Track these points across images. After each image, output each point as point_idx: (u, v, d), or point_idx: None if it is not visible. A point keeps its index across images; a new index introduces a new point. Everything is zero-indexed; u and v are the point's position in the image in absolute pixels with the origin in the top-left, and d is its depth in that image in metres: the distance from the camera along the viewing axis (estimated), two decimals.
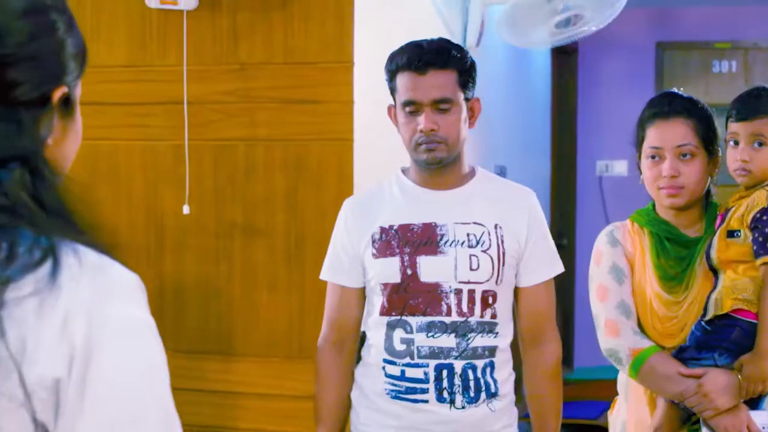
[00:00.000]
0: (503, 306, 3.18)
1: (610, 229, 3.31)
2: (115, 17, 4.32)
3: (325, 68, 4.08)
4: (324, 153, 4.09)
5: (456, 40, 5.10)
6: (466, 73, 3.16)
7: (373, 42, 4.20)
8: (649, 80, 8.82)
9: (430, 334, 3.11)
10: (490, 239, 3.15)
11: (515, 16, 4.89)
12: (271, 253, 4.19)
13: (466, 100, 3.18)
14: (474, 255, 3.13)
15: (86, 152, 4.10)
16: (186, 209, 4.20)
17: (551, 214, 8.32)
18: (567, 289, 8.09)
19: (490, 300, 3.15)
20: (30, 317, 1.25)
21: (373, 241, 3.19)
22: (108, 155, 4.34)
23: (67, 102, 1.42)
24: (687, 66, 8.84)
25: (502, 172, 6.08)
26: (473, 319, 3.12)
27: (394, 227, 3.18)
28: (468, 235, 3.14)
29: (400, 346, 3.15)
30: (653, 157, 3.18)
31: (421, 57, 3.12)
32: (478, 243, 3.14)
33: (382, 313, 3.18)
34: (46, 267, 1.27)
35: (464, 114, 3.17)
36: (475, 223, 3.17)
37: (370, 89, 4.15)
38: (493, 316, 3.15)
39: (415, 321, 3.13)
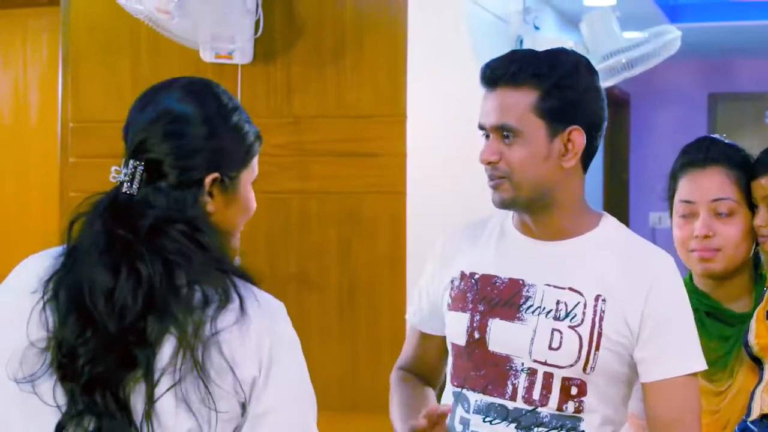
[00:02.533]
0: (598, 400, 2.38)
1: None
2: (170, 71, 4.35)
3: (379, 121, 4.10)
4: (377, 206, 4.10)
5: None
6: (554, 94, 2.36)
7: (426, 95, 4.22)
8: (702, 131, 8.80)
9: (487, 419, 2.40)
10: (584, 313, 2.36)
11: None
12: (323, 304, 4.20)
13: (555, 131, 2.37)
14: (557, 330, 2.36)
15: None
16: (237, 260, 4.21)
17: None
18: None
19: (574, 391, 2.36)
20: (236, 339, 1.84)
21: (452, 288, 2.51)
22: None
23: (223, 183, 1.97)
24: (740, 117, 8.82)
25: None
26: (546, 411, 2.36)
27: (476, 276, 2.47)
28: (558, 303, 2.38)
29: (458, 427, 2.45)
30: (684, 214, 2.67)
31: (492, 68, 2.40)
32: (567, 315, 2.37)
33: (450, 380, 2.51)
34: (236, 302, 1.86)
35: (544, 149, 2.36)
36: (571, 289, 2.38)
37: (423, 142, 4.16)
38: (578, 410, 2.36)
39: (474, 398, 2.42)
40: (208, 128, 1.97)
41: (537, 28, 5.44)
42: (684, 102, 8.84)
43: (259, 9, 4.16)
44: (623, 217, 8.80)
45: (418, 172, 4.12)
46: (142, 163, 1.92)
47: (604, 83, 5.19)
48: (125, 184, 1.92)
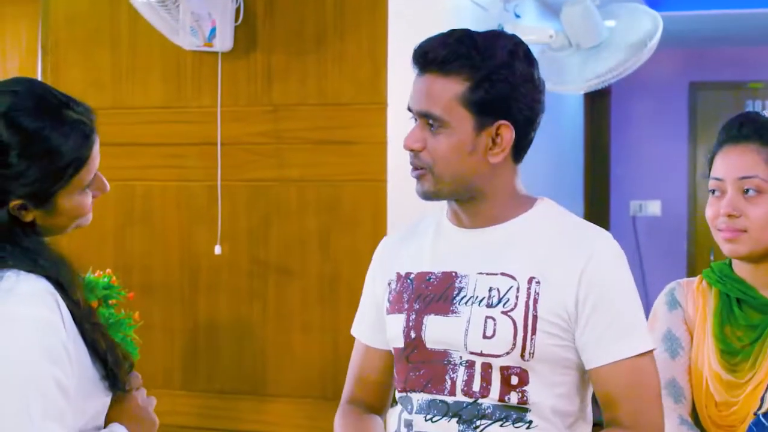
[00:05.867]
0: (544, 389, 2.26)
1: (671, 287, 2.60)
2: (150, 59, 4.35)
3: (359, 109, 4.10)
4: (357, 194, 4.10)
5: None
6: (484, 87, 2.22)
7: (407, 83, 4.20)
8: (683, 120, 8.81)
9: (428, 417, 2.30)
10: (517, 297, 2.24)
11: (552, 64, 4.90)
12: (304, 293, 4.20)
13: (483, 125, 2.24)
14: (491, 317, 2.25)
15: (122, 193, 4.14)
16: (218, 249, 4.22)
17: None
18: None
19: (515, 380, 2.24)
20: None
21: (390, 291, 2.42)
22: (143, 195, 4.37)
23: (42, 204, 2.07)
24: (720, 106, 8.81)
25: None
26: (487, 402, 2.24)
27: (412, 275, 2.38)
28: (490, 289, 2.27)
29: (402, 430, 2.36)
30: (714, 191, 2.49)
31: (424, 50, 2.27)
32: (499, 301, 2.25)
33: (396, 387, 2.42)
34: None
35: (469, 142, 2.25)
36: (503, 274, 2.27)
37: (403, 130, 4.12)
38: (523, 401, 2.24)
39: (416, 398, 2.32)
40: (20, 159, 2.05)
41: (518, 16, 5.44)
42: (664, 91, 8.84)
43: None
44: (604, 206, 8.81)
45: (398, 160, 4.12)
46: None
47: (592, 89, 5.20)
48: None
